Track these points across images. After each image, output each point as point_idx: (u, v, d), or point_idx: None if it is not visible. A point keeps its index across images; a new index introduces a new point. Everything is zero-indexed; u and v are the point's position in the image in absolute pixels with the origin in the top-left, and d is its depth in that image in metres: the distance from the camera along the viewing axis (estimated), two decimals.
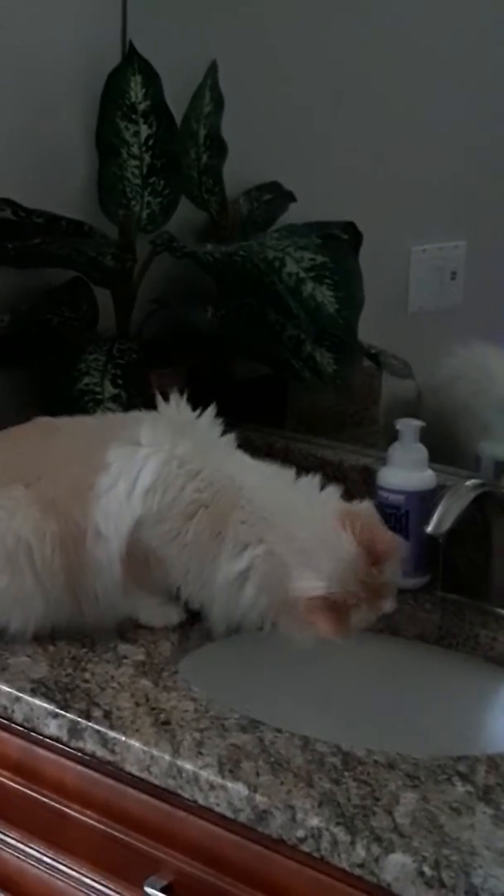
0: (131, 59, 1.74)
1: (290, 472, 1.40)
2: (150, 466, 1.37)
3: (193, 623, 1.43)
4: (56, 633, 1.39)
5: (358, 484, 1.61)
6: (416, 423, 1.52)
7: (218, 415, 1.44)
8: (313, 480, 1.38)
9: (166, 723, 1.22)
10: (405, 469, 1.52)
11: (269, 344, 1.65)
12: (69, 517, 1.37)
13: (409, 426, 1.52)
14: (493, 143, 1.76)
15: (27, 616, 1.38)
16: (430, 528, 1.39)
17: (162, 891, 1.19)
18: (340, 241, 1.67)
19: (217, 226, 1.82)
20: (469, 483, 1.42)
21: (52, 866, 1.30)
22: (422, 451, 1.52)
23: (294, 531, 1.33)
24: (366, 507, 1.36)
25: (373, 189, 1.81)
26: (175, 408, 1.44)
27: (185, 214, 1.79)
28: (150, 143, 1.74)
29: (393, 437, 1.54)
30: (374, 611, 1.33)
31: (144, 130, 1.74)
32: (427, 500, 1.48)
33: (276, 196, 1.84)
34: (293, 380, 1.70)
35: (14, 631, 1.38)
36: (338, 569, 1.30)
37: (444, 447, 1.57)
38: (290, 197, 1.83)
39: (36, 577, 1.37)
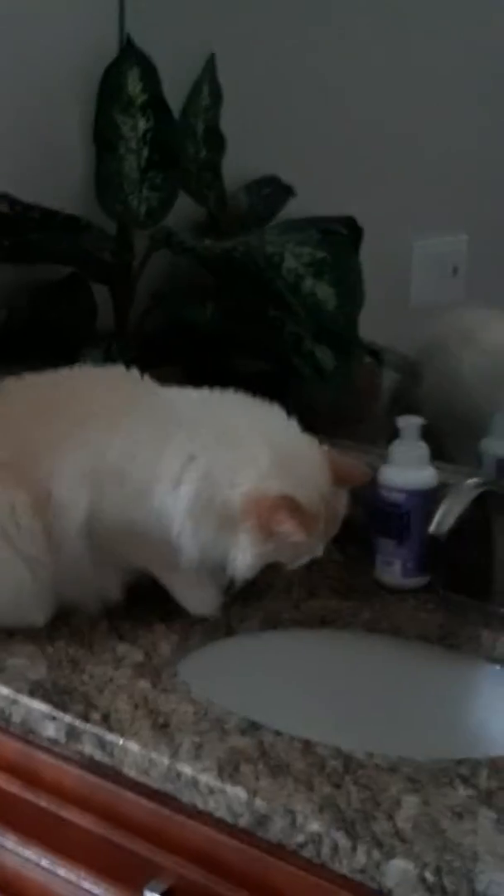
0: (129, 53, 1.73)
1: (253, 400, 1.40)
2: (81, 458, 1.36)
3: (194, 623, 1.41)
4: (53, 631, 1.38)
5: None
6: (417, 421, 1.51)
7: None
8: (279, 410, 1.39)
9: (165, 725, 1.21)
10: (406, 467, 1.51)
11: (268, 340, 1.63)
12: (33, 480, 1.36)
13: (409, 423, 1.51)
14: (494, 135, 1.74)
15: (18, 589, 1.36)
16: (431, 528, 1.38)
17: (162, 895, 1.18)
18: (340, 237, 1.65)
19: (216, 221, 1.81)
20: (471, 482, 1.41)
21: (51, 870, 1.29)
22: (423, 449, 1.51)
23: (259, 444, 1.33)
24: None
25: (373, 183, 1.79)
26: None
27: (184, 209, 1.78)
28: (148, 137, 1.73)
29: (394, 434, 1.52)
30: (322, 539, 1.35)
31: (142, 124, 1.73)
32: (428, 498, 1.47)
33: (275, 190, 1.82)
34: (293, 377, 1.68)
35: (6, 606, 1.37)
36: (307, 477, 1.33)
37: (447, 444, 1.56)
38: (289, 191, 1.82)
39: (13, 548, 1.35)
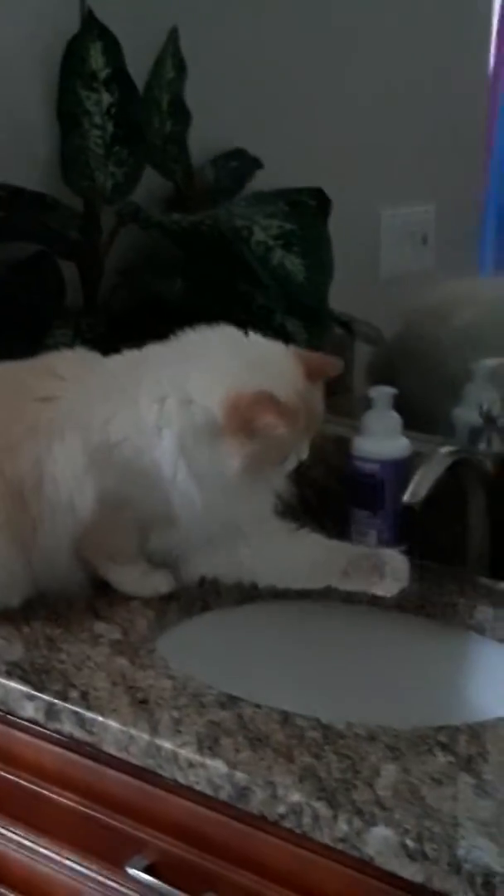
0: (90, 26, 1.71)
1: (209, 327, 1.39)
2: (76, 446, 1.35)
3: (171, 599, 1.41)
4: (30, 611, 1.37)
5: (332, 454, 1.59)
6: (389, 391, 1.51)
7: None
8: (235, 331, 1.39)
9: (144, 701, 1.20)
10: (379, 437, 1.50)
11: (238, 314, 1.62)
12: (12, 472, 1.35)
13: (381, 394, 1.51)
14: (458, 105, 1.74)
15: None
16: (406, 497, 1.38)
17: (145, 871, 1.18)
18: (308, 208, 1.64)
19: (183, 195, 1.80)
20: (444, 450, 1.41)
21: (34, 850, 1.29)
22: (395, 419, 1.51)
23: (225, 353, 1.34)
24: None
25: (340, 154, 1.78)
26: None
27: (151, 184, 1.77)
28: (113, 111, 1.72)
29: (367, 405, 1.52)
30: (304, 437, 1.35)
31: (106, 99, 1.71)
32: (402, 468, 1.47)
33: (242, 163, 1.82)
34: None
35: None
36: (279, 374, 1.33)
37: (419, 413, 1.56)
38: (256, 163, 1.81)
39: None
